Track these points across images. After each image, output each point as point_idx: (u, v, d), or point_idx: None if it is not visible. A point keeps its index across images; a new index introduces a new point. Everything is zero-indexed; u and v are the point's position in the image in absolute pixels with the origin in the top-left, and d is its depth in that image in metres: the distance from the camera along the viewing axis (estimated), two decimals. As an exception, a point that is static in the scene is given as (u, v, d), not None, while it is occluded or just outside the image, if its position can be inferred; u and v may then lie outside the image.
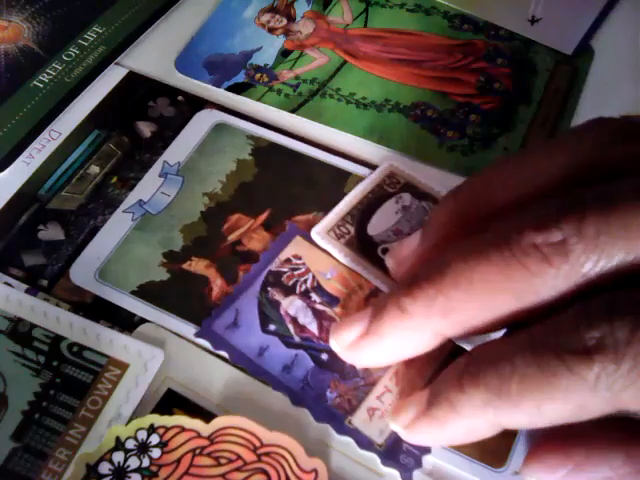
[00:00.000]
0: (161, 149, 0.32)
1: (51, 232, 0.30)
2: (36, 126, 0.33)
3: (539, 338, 0.20)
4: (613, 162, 0.21)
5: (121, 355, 0.26)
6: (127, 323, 0.27)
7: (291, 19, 0.38)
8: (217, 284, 0.28)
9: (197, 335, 0.26)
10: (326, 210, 0.30)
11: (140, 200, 0.30)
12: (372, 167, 0.31)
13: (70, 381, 0.25)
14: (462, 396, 0.21)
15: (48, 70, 0.35)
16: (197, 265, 0.28)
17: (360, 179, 0.31)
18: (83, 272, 0.28)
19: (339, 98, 0.34)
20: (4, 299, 0.27)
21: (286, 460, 0.23)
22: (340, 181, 0.31)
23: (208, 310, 0.27)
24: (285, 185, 0.31)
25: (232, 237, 0.29)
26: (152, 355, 0.25)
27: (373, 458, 0.24)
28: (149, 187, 0.31)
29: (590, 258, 0.19)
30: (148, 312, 0.27)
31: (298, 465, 0.23)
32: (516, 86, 0.34)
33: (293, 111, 0.34)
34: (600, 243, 0.19)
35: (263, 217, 0.30)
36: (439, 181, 0.31)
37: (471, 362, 0.21)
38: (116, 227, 0.30)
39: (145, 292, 0.28)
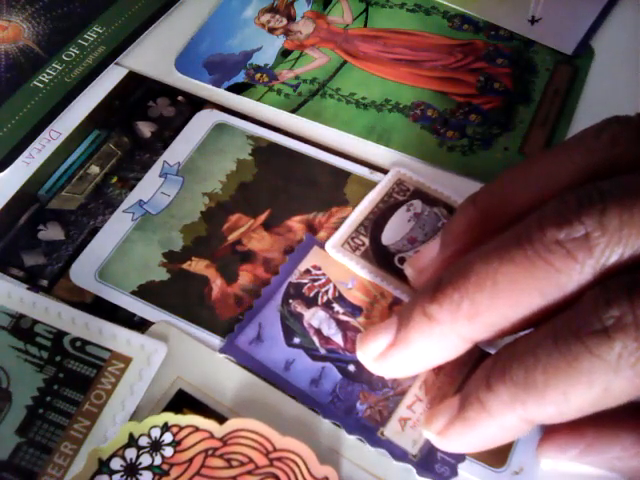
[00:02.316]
0: (161, 149, 0.33)
1: (51, 232, 0.30)
2: (36, 126, 0.34)
3: (560, 326, 0.20)
4: (631, 159, 0.22)
5: (124, 349, 0.26)
6: (127, 323, 0.28)
7: (291, 19, 0.38)
8: (217, 284, 0.29)
9: (221, 351, 0.27)
10: (326, 210, 0.31)
11: (140, 200, 0.31)
12: (372, 167, 0.32)
13: (73, 376, 0.26)
14: (491, 394, 0.21)
15: (48, 70, 0.36)
16: (197, 265, 0.29)
17: (360, 179, 0.32)
18: (83, 272, 0.29)
19: (339, 98, 0.35)
20: (5, 296, 0.28)
21: (298, 466, 0.23)
22: (340, 181, 0.32)
23: (208, 309, 0.28)
24: (285, 185, 0.32)
25: (232, 237, 0.30)
26: (155, 349, 0.26)
27: (384, 467, 0.25)
28: (149, 187, 0.32)
29: (615, 251, 0.19)
30: (148, 312, 0.28)
31: (310, 472, 0.23)
32: (516, 86, 0.35)
33: (293, 111, 0.35)
34: (624, 236, 0.19)
35: (263, 217, 0.31)
36: (447, 184, 0.31)
37: (498, 360, 0.22)
38: (116, 227, 0.30)
39: (145, 292, 0.28)
